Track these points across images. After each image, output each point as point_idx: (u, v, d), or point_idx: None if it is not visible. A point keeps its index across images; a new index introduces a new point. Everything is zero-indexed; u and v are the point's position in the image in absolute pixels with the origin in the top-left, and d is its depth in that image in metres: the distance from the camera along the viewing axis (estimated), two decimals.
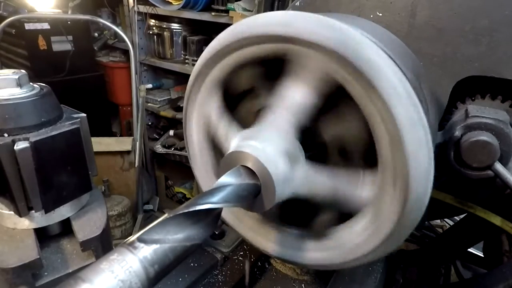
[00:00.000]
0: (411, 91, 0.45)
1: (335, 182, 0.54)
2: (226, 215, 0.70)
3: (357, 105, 0.49)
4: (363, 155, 0.56)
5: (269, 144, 0.50)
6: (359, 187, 0.53)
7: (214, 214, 0.41)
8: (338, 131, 0.58)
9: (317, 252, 0.60)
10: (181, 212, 0.38)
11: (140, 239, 0.34)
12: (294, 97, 0.53)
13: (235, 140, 0.55)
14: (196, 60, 0.66)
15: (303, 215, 0.63)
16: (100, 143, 2.61)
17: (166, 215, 0.37)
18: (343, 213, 0.58)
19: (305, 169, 0.53)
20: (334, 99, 0.54)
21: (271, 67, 0.57)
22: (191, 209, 0.38)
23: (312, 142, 0.59)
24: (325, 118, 0.57)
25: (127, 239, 0.35)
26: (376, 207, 0.52)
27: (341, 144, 0.59)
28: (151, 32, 2.95)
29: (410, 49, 0.71)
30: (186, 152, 0.74)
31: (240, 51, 0.56)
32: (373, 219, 0.52)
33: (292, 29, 0.48)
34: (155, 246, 0.35)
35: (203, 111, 0.65)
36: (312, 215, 0.63)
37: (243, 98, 0.67)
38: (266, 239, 0.67)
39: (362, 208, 0.54)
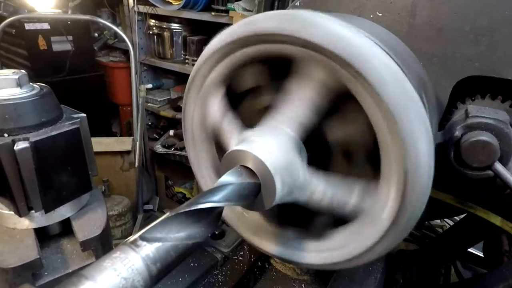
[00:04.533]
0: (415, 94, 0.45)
1: (332, 190, 0.53)
2: (226, 214, 0.70)
3: (361, 109, 0.49)
4: (367, 159, 0.56)
5: (271, 144, 0.49)
6: (356, 195, 0.53)
7: (215, 213, 0.41)
8: (342, 133, 0.58)
9: (317, 252, 0.60)
10: (182, 210, 0.38)
11: (142, 238, 0.34)
12: (300, 99, 0.52)
13: (238, 139, 0.55)
14: (196, 60, 0.66)
15: (302, 215, 0.63)
16: (100, 143, 2.61)
17: (168, 214, 0.37)
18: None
19: (304, 172, 0.53)
20: (340, 102, 0.54)
21: (277, 65, 0.57)
22: (192, 208, 0.38)
23: (316, 143, 0.59)
24: (330, 120, 0.57)
25: (129, 238, 0.35)
26: (372, 213, 0.52)
27: (345, 147, 0.59)
28: (151, 32, 2.95)
29: (410, 49, 0.71)
30: (186, 152, 0.74)
31: (246, 49, 0.55)
32: (369, 222, 0.52)
33: (304, 33, 0.47)
34: (157, 244, 0.35)
35: (204, 108, 0.65)
36: (311, 216, 0.63)
37: (246, 95, 0.66)
38: (266, 239, 0.67)
39: (356, 215, 0.54)
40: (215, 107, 0.62)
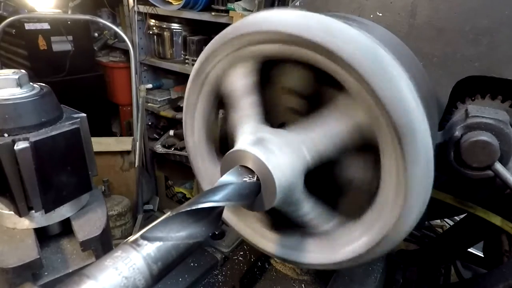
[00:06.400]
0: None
1: (315, 214, 0.57)
2: (226, 214, 0.70)
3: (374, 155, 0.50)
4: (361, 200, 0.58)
5: (285, 160, 0.49)
6: (333, 224, 0.58)
7: (216, 212, 0.41)
8: (351, 173, 0.59)
9: (317, 252, 0.60)
10: (183, 210, 0.38)
11: (143, 237, 0.35)
12: (331, 130, 0.52)
13: (252, 132, 0.55)
14: (196, 60, 0.65)
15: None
16: (100, 143, 2.61)
17: (169, 213, 0.37)
18: (345, 214, 0.59)
19: (301, 193, 0.55)
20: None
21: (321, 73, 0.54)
22: (193, 207, 0.38)
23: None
24: (344, 160, 0.58)
25: (130, 237, 0.35)
26: (372, 214, 0.52)
27: (346, 186, 0.60)
28: (151, 32, 2.95)
29: (410, 49, 0.71)
30: (186, 152, 0.74)
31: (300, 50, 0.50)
32: (369, 222, 0.53)
33: (367, 70, 0.44)
34: (158, 244, 0.35)
35: (223, 77, 0.60)
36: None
37: (276, 85, 0.63)
38: (266, 239, 0.67)
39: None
40: (240, 78, 0.57)
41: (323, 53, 0.47)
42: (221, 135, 0.70)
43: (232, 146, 0.53)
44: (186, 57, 2.89)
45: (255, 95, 0.58)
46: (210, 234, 0.70)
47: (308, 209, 0.57)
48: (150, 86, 3.11)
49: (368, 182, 0.57)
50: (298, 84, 0.60)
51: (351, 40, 0.45)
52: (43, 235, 0.93)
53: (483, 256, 1.22)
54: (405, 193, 0.47)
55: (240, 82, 0.58)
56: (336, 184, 0.61)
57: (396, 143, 0.45)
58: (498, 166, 0.64)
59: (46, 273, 0.86)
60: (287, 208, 0.56)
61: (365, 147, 0.52)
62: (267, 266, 0.89)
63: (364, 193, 0.58)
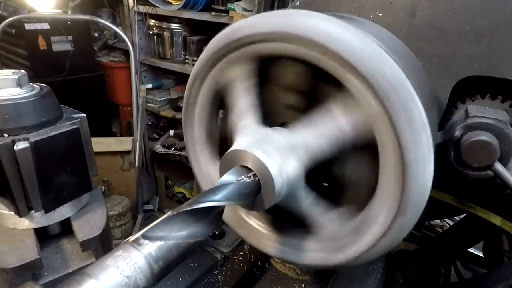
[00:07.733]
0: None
1: (314, 210, 0.57)
2: (227, 215, 0.70)
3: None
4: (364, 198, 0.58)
5: (281, 152, 0.50)
6: (329, 218, 0.58)
7: (216, 212, 0.41)
8: (349, 170, 0.59)
9: (317, 252, 0.60)
10: (184, 209, 0.38)
11: (144, 236, 0.35)
12: (329, 133, 0.52)
13: (252, 132, 0.55)
14: (196, 60, 0.65)
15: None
16: (100, 143, 2.61)
17: (169, 213, 0.37)
18: (345, 211, 0.59)
19: (302, 193, 0.55)
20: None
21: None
22: (194, 207, 0.38)
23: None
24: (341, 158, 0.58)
25: (131, 237, 0.35)
26: (371, 214, 0.53)
27: (346, 183, 0.60)
28: (151, 32, 2.95)
29: (410, 49, 0.71)
30: (186, 151, 0.74)
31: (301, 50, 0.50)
32: (368, 222, 0.53)
33: (369, 71, 0.45)
34: (159, 243, 0.35)
35: (221, 78, 0.61)
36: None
37: (273, 82, 0.63)
38: (266, 240, 0.67)
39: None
40: (238, 78, 0.58)
41: (326, 54, 0.47)
42: (221, 136, 0.70)
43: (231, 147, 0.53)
44: (186, 57, 2.89)
45: (254, 95, 0.58)
46: (211, 234, 0.70)
47: (309, 205, 0.57)
48: (150, 86, 3.11)
49: (365, 179, 0.57)
50: (295, 80, 0.60)
51: (356, 42, 0.45)
52: (43, 235, 0.93)
53: (483, 256, 1.22)
54: (402, 193, 0.47)
55: (239, 82, 0.59)
56: (335, 181, 0.61)
57: (396, 145, 0.45)
58: (498, 166, 0.64)
59: (46, 273, 0.86)
60: (288, 205, 0.56)
61: (363, 146, 0.52)
62: (267, 266, 0.89)
63: (362, 190, 0.58)
